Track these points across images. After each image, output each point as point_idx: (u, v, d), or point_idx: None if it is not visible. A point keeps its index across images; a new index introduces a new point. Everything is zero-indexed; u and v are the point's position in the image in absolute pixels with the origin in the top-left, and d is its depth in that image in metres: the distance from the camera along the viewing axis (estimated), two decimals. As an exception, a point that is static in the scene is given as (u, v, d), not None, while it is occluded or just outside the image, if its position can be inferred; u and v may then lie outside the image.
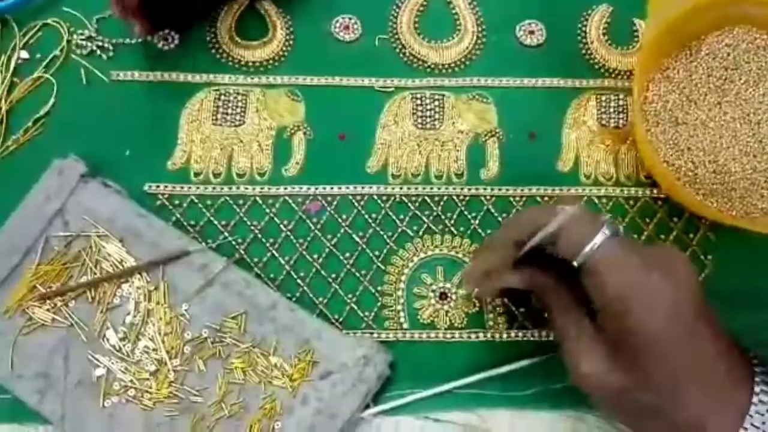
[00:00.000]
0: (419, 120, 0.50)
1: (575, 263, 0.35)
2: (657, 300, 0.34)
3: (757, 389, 0.33)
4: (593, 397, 0.37)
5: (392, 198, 0.49)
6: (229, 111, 0.50)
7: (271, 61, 0.51)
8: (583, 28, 0.52)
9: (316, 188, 0.49)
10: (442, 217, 0.48)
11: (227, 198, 0.48)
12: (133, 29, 0.49)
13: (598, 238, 0.35)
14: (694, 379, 0.34)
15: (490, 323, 0.46)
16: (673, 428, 0.34)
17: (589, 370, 0.36)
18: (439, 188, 0.49)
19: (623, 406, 0.36)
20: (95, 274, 0.45)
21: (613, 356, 0.35)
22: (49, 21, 0.51)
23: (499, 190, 0.49)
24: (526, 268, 0.39)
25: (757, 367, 0.34)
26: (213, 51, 0.52)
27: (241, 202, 0.48)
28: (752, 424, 0.33)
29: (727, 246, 0.48)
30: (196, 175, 0.49)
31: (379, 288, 0.47)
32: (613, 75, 0.51)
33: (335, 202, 0.48)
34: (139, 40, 0.51)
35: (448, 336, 0.46)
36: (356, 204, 0.48)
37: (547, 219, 0.36)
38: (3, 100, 0.49)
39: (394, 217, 0.48)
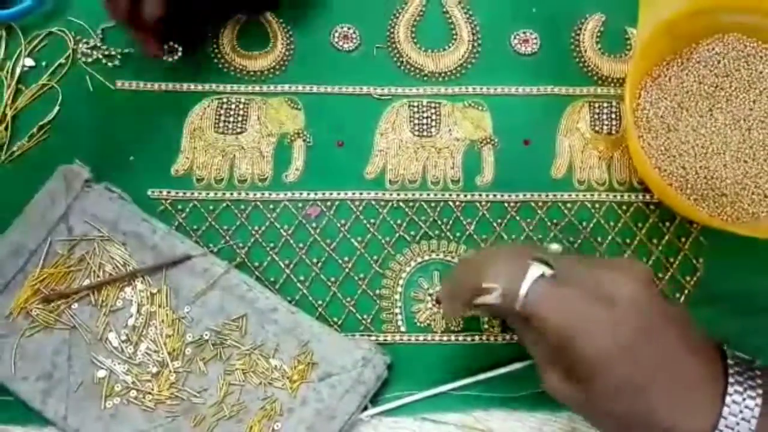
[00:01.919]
0: (416, 127, 0.51)
1: (517, 311, 0.36)
2: (597, 324, 0.34)
3: (731, 389, 0.33)
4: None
5: (390, 203, 0.50)
6: (231, 119, 0.51)
7: (272, 71, 0.53)
8: (577, 37, 0.54)
9: (316, 194, 0.49)
10: (439, 222, 0.49)
11: (229, 203, 0.49)
12: (143, 48, 0.50)
13: (524, 286, 0.35)
14: (658, 389, 0.34)
15: (485, 326, 0.47)
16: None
17: (552, 387, 0.37)
18: (435, 194, 0.50)
19: (591, 416, 0.38)
20: (98, 277, 0.46)
21: (567, 377, 0.36)
22: (54, 30, 0.52)
23: (494, 196, 0.50)
24: (486, 309, 0.39)
25: (732, 368, 0.34)
26: (215, 61, 0.53)
27: (242, 207, 0.49)
28: (726, 426, 0.33)
29: (720, 250, 0.49)
30: (199, 181, 0.50)
31: (377, 291, 0.48)
32: (606, 82, 0.52)
33: (334, 208, 0.49)
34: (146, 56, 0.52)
35: (445, 339, 0.47)
36: (355, 209, 0.49)
37: (480, 271, 0.37)
38: (8, 107, 0.50)
39: (391, 223, 0.49)
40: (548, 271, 0.36)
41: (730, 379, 0.34)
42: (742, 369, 0.34)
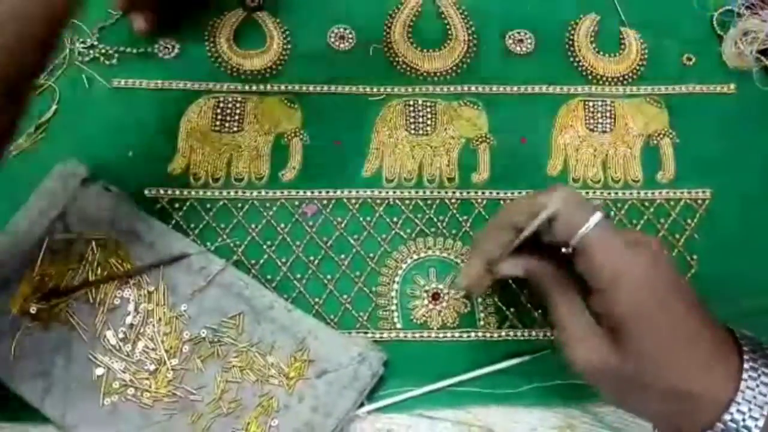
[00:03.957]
0: (412, 126, 0.52)
1: (571, 244, 0.37)
2: (644, 277, 0.36)
3: (746, 365, 0.34)
4: (586, 379, 0.38)
5: (386, 201, 0.50)
6: (228, 118, 0.51)
7: (268, 70, 0.53)
8: (571, 37, 0.54)
9: (312, 192, 0.50)
10: (435, 219, 0.49)
11: (226, 202, 0.49)
12: (135, 24, 0.50)
13: (592, 220, 0.36)
14: (683, 351, 0.35)
15: (482, 323, 0.47)
16: (666, 402, 0.35)
17: (582, 353, 0.37)
18: (431, 192, 0.50)
19: (615, 386, 0.37)
20: (96, 275, 0.46)
21: (606, 335, 0.36)
22: (52, 30, 0.52)
23: (490, 193, 0.50)
24: (525, 255, 0.40)
25: (746, 346, 0.35)
26: (212, 60, 0.53)
27: (239, 205, 0.49)
28: (744, 399, 0.34)
29: (714, 248, 0.49)
30: (196, 179, 0.50)
31: (373, 289, 0.48)
32: (600, 81, 0.53)
33: (331, 206, 0.50)
34: (141, 49, 0.52)
35: (441, 335, 0.47)
36: (351, 207, 0.50)
37: (544, 202, 0.37)
38: (7, 107, 0.50)
39: (387, 220, 0.49)
40: (609, 219, 0.38)
41: (745, 356, 0.35)
42: (754, 347, 0.35)
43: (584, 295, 0.38)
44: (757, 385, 0.34)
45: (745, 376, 0.34)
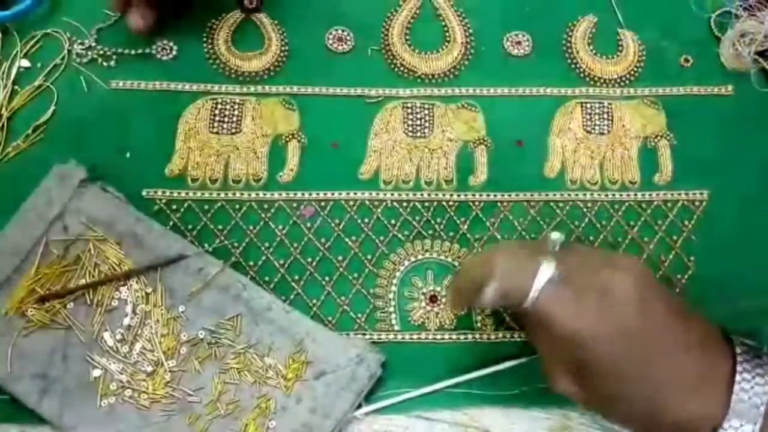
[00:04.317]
0: (410, 128, 0.52)
1: (522, 311, 0.36)
2: (599, 317, 0.35)
3: (739, 377, 0.34)
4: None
5: (384, 203, 0.50)
6: (226, 119, 0.52)
7: (266, 72, 0.53)
8: (569, 39, 0.54)
9: (310, 194, 0.50)
10: (432, 222, 0.50)
11: (224, 203, 0.49)
12: (132, 23, 0.50)
13: (535, 287, 0.35)
14: (665, 384, 0.34)
15: (479, 325, 0.47)
16: (652, 429, 0.36)
17: (561, 388, 0.37)
18: (429, 194, 0.50)
19: (600, 412, 0.38)
20: (94, 277, 0.46)
21: (576, 376, 0.36)
22: (49, 31, 0.52)
23: (488, 195, 0.50)
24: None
25: (740, 356, 0.35)
26: (210, 61, 0.53)
27: (237, 207, 0.49)
28: (736, 416, 0.33)
29: (712, 249, 0.49)
30: (194, 181, 0.50)
31: (371, 291, 0.48)
32: (598, 83, 0.53)
33: (328, 208, 0.50)
34: (139, 50, 0.52)
35: (438, 337, 0.47)
36: (349, 209, 0.50)
37: (485, 275, 0.37)
38: (4, 108, 0.50)
39: (385, 222, 0.49)
40: (555, 273, 0.36)
41: (738, 367, 0.34)
42: (750, 356, 0.35)
43: None
44: (749, 397, 0.33)
45: (737, 388, 0.34)
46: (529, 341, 0.41)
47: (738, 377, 0.34)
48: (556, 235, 0.38)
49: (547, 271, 0.36)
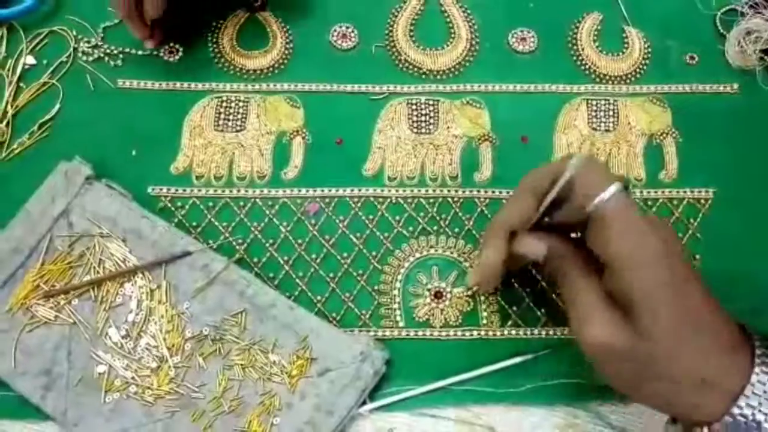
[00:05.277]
0: (414, 125, 0.52)
1: (587, 211, 0.36)
2: (660, 256, 0.35)
3: (758, 360, 0.34)
4: (597, 363, 0.37)
5: (388, 200, 0.50)
6: (231, 117, 0.52)
7: (271, 69, 0.53)
8: (574, 35, 0.54)
9: (315, 190, 0.50)
10: (437, 218, 0.49)
11: (228, 200, 0.49)
12: (148, 45, 0.51)
13: (611, 189, 0.35)
14: (695, 337, 0.34)
15: (484, 321, 0.47)
16: (676, 388, 0.35)
17: (595, 332, 0.36)
18: (434, 190, 0.50)
19: (626, 371, 0.36)
20: (98, 273, 0.46)
21: (619, 315, 0.36)
22: (55, 28, 0.53)
23: (493, 192, 0.50)
24: (543, 234, 0.39)
25: (758, 341, 0.35)
26: (215, 60, 0.53)
27: (241, 204, 0.49)
28: (754, 393, 0.33)
29: (717, 247, 0.49)
30: (198, 178, 0.50)
31: (375, 287, 0.48)
32: (603, 80, 0.53)
33: (333, 204, 0.50)
34: (148, 52, 0.53)
35: (443, 334, 0.47)
36: (353, 206, 0.50)
37: (563, 168, 0.36)
38: (9, 104, 0.50)
39: (390, 219, 0.49)
40: (626, 191, 0.36)
41: (757, 351, 0.34)
42: (765, 341, 0.35)
43: (598, 275, 0.37)
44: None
45: (756, 369, 0.33)
46: (565, 282, 0.39)
47: (758, 360, 0.34)
48: (574, 161, 0.37)
49: (620, 184, 0.36)
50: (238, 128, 0.51)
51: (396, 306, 0.47)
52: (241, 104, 0.52)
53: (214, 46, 0.53)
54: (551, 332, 0.47)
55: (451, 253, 0.49)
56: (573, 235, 0.37)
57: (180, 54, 0.53)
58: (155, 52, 0.53)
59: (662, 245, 0.35)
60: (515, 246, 0.40)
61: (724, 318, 0.36)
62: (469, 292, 0.48)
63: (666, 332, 0.34)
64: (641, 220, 0.36)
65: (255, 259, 0.48)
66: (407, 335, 0.47)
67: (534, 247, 0.39)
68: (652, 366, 0.35)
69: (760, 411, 0.33)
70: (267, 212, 0.49)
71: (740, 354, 0.35)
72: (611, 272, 0.36)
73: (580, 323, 0.37)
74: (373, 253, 0.48)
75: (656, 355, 0.35)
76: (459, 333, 0.47)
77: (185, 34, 0.54)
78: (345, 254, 0.48)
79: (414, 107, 0.52)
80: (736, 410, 0.33)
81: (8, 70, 0.51)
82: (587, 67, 0.53)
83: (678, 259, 0.36)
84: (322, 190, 0.50)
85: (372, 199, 0.50)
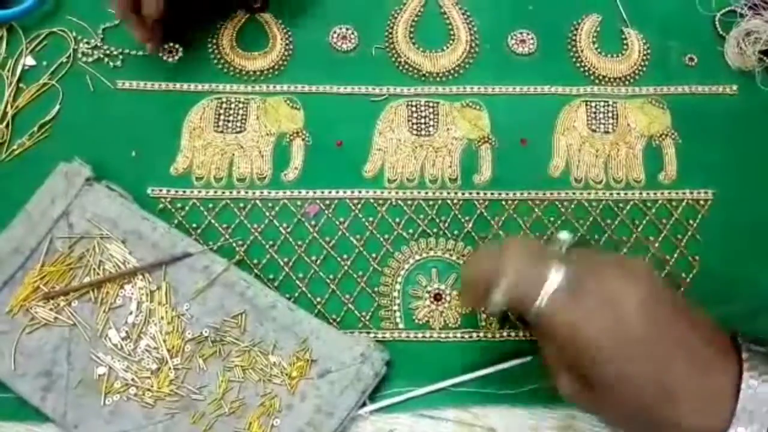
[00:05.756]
0: (414, 127, 0.52)
1: (528, 320, 0.36)
2: (607, 330, 0.34)
3: (745, 375, 0.33)
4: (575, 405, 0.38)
5: (388, 202, 0.50)
6: (231, 118, 0.52)
7: (271, 71, 0.53)
8: (574, 37, 0.54)
9: (315, 192, 0.50)
10: (437, 220, 0.49)
11: (228, 201, 0.49)
12: (148, 47, 0.51)
13: (541, 297, 0.35)
14: (669, 394, 0.34)
15: (483, 323, 0.47)
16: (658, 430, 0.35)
17: (562, 387, 0.37)
18: (433, 192, 0.50)
19: (604, 418, 0.38)
20: (98, 274, 0.46)
21: (582, 382, 0.36)
22: (55, 29, 0.53)
23: (492, 194, 0.50)
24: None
25: (748, 358, 0.34)
26: (215, 61, 0.53)
27: (241, 205, 0.49)
28: (744, 410, 0.33)
29: (716, 248, 0.49)
30: (198, 179, 0.50)
31: (375, 289, 0.48)
32: (602, 82, 0.53)
33: (333, 206, 0.50)
34: (148, 52, 0.53)
35: (443, 336, 0.47)
36: (353, 207, 0.50)
37: (491, 276, 0.36)
38: (9, 105, 0.50)
39: (390, 221, 0.49)
40: (564, 281, 0.35)
41: (745, 374, 0.33)
42: (756, 361, 0.34)
43: None
44: (756, 403, 0.33)
45: (742, 396, 0.33)
46: (536, 341, 0.40)
47: (743, 384, 0.33)
48: (564, 235, 0.37)
49: (555, 278, 0.35)
50: (238, 129, 0.51)
51: (396, 308, 0.48)
52: (240, 105, 0.52)
53: (214, 47, 0.53)
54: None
55: (451, 255, 0.49)
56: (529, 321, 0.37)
57: (180, 54, 0.53)
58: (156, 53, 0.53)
59: (610, 326, 0.34)
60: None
61: (706, 344, 0.35)
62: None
63: (637, 405, 0.34)
64: (583, 309, 0.34)
65: (255, 261, 0.48)
66: (407, 337, 0.47)
67: (496, 310, 0.38)
68: (626, 421, 0.36)
69: None
70: (267, 214, 0.49)
71: (726, 376, 0.34)
72: (569, 361, 0.36)
73: (550, 374, 0.38)
74: (373, 255, 0.49)
75: (630, 420, 0.35)
76: (459, 335, 0.47)
77: (185, 34, 0.53)
78: (345, 256, 0.48)
79: (414, 109, 0.52)
80: None
81: (8, 71, 0.51)
82: (586, 68, 0.53)
83: (635, 319, 0.34)
84: (322, 192, 0.50)
85: (372, 200, 0.50)
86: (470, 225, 0.49)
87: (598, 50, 0.54)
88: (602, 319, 0.34)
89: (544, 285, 0.35)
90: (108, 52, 0.52)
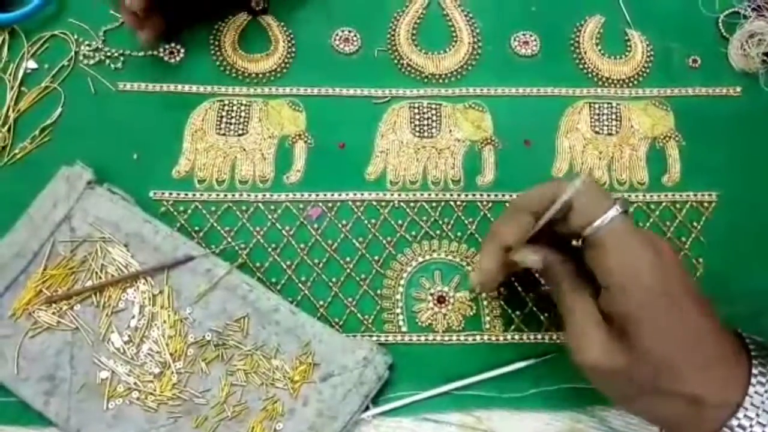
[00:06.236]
0: (417, 128, 0.52)
1: (584, 235, 0.36)
2: (654, 278, 0.35)
3: (755, 371, 0.34)
4: (593, 379, 0.38)
5: (391, 204, 0.50)
6: (233, 121, 0.51)
7: (273, 73, 0.53)
8: (576, 38, 0.54)
9: (317, 195, 0.50)
10: (440, 222, 0.49)
11: (230, 204, 0.49)
12: (140, 37, 0.50)
13: (610, 213, 0.35)
14: (691, 354, 0.35)
15: (487, 326, 0.47)
16: (672, 406, 0.35)
17: (590, 351, 0.36)
18: (436, 194, 0.50)
19: (620, 387, 0.37)
20: (101, 278, 0.46)
21: (615, 336, 0.36)
22: (56, 32, 0.52)
23: (495, 196, 0.50)
24: (542, 246, 0.39)
25: (755, 351, 0.35)
26: (217, 63, 0.53)
27: (243, 208, 0.49)
28: (752, 404, 0.33)
29: (720, 250, 0.49)
30: (200, 182, 0.50)
31: (378, 292, 0.48)
32: (606, 84, 0.53)
33: (335, 208, 0.49)
34: (147, 53, 0.52)
35: (446, 338, 0.47)
36: (356, 210, 0.49)
37: (562, 189, 0.37)
38: (11, 109, 0.50)
39: (392, 223, 0.49)
40: (626, 214, 0.36)
41: (754, 361, 0.34)
42: (763, 351, 0.35)
43: (595, 291, 0.37)
44: (766, 391, 0.33)
45: (753, 381, 0.34)
46: (563, 301, 0.39)
47: (754, 370, 0.34)
48: (577, 182, 0.37)
49: (618, 208, 0.36)
50: (240, 132, 0.51)
51: (399, 311, 0.47)
52: (243, 108, 0.52)
53: (216, 48, 0.53)
54: (554, 337, 0.47)
55: (454, 257, 0.49)
56: (574, 242, 0.37)
57: (181, 56, 0.53)
58: (155, 52, 0.53)
59: (656, 269, 0.35)
60: (512, 256, 0.40)
61: (722, 330, 0.36)
62: (473, 295, 0.47)
63: (660, 353, 0.35)
64: (637, 242, 0.36)
65: (257, 264, 0.48)
66: (410, 340, 0.47)
67: (530, 259, 0.39)
68: (646, 383, 0.35)
69: (758, 422, 0.33)
70: (269, 216, 0.49)
71: (737, 366, 0.35)
72: (607, 293, 0.36)
73: (574, 341, 0.37)
74: (376, 258, 0.48)
75: (650, 374, 0.35)
76: (462, 338, 0.47)
77: (187, 36, 0.53)
78: (347, 259, 0.48)
79: (416, 111, 0.52)
80: (734, 422, 0.34)
81: (10, 74, 0.51)
82: (590, 70, 0.53)
83: (674, 279, 0.36)
84: (325, 195, 0.50)
85: (374, 203, 0.50)
86: (473, 227, 0.49)
87: (602, 52, 0.54)
88: (650, 253, 0.35)
89: (610, 208, 0.36)
90: (109, 54, 0.52)
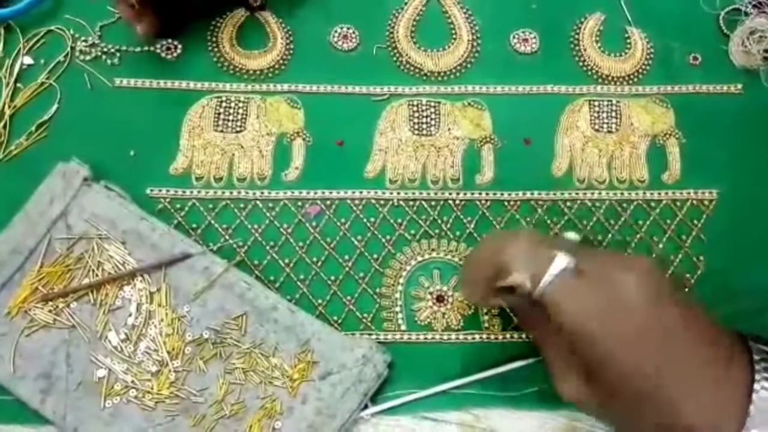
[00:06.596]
0: (416, 126, 0.51)
1: (534, 298, 0.36)
2: (613, 325, 0.34)
3: (758, 376, 0.33)
4: (579, 409, 0.38)
5: (390, 202, 0.49)
6: (231, 117, 0.51)
7: (271, 70, 0.52)
8: (576, 36, 0.54)
9: (316, 192, 0.49)
10: (439, 221, 0.49)
11: (228, 202, 0.49)
12: (136, 30, 0.50)
13: (549, 274, 0.35)
14: (674, 384, 0.33)
15: (486, 325, 0.47)
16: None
17: (565, 390, 0.37)
18: (435, 193, 0.50)
19: (606, 418, 0.38)
20: (97, 276, 0.45)
21: (587, 377, 0.36)
22: (53, 27, 0.52)
23: (494, 194, 0.50)
24: (506, 294, 0.39)
25: (757, 354, 0.34)
26: (215, 59, 0.53)
27: (241, 205, 0.49)
28: (757, 410, 0.32)
29: (721, 248, 0.49)
30: (198, 179, 0.49)
31: (377, 290, 0.48)
32: (605, 81, 0.53)
33: (334, 207, 0.49)
34: (143, 48, 0.52)
35: (445, 337, 0.47)
36: (354, 208, 0.49)
37: (503, 253, 0.37)
38: (7, 105, 0.50)
39: (391, 221, 0.49)
40: (571, 264, 0.36)
41: (757, 376, 0.33)
42: (764, 356, 0.34)
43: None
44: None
45: (755, 397, 0.32)
46: (536, 343, 0.40)
47: (756, 386, 0.32)
48: (571, 235, 0.37)
49: (562, 261, 0.35)
50: (238, 129, 0.51)
51: (398, 309, 0.47)
52: (240, 104, 0.51)
53: (214, 45, 0.53)
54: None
55: (453, 256, 0.48)
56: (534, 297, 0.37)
57: (179, 51, 0.53)
58: (152, 48, 0.52)
59: (613, 311, 0.34)
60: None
61: (712, 341, 0.34)
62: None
63: (644, 400, 0.34)
64: (586, 295, 0.35)
65: (255, 262, 0.48)
66: (409, 339, 0.47)
67: (495, 302, 0.40)
68: (628, 418, 0.35)
69: None
70: (267, 214, 0.49)
71: (735, 377, 0.33)
72: (572, 346, 0.36)
73: (551, 376, 0.38)
74: (375, 256, 0.48)
75: (636, 418, 0.35)
76: (461, 336, 0.47)
77: (184, 32, 0.53)
78: (346, 257, 0.48)
79: (415, 109, 0.52)
80: None
81: (6, 70, 0.51)
82: (589, 67, 0.53)
83: (638, 308, 0.34)
84: (323, 192, 0.49)
85: (373, 201, 0.49)
86: (472, 226, 0.49)
87: (602, 49, 0.53)
88: (607, 304, 0.34)
89: (551, 265, 0.35)
90: (106, 49, 0.52)
